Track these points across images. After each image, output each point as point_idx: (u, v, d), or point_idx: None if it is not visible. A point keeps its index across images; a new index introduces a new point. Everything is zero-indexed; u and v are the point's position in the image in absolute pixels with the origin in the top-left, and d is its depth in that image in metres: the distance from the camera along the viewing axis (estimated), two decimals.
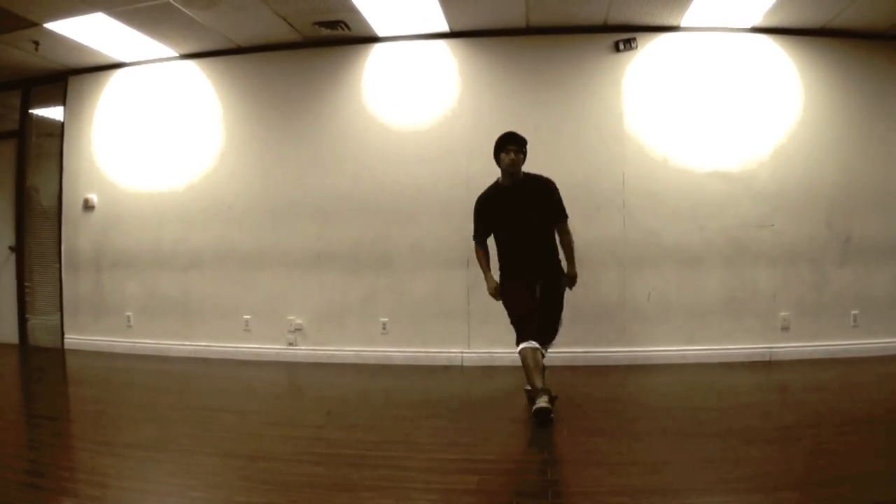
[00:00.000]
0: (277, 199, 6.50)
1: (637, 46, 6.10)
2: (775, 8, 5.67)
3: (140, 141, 6.88)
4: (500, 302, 4.59)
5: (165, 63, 6.82)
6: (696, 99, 6.12)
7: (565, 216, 4.64)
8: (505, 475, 3.32)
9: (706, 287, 6.06)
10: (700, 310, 6.05)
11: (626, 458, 3.53)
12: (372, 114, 6.37)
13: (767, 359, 6.01)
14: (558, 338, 4.69)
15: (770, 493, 2.98)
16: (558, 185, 4.61)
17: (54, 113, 7.27)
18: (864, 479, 3.13)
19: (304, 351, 6.46)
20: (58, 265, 7.14)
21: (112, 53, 6.62)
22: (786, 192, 6.08)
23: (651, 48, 6.13)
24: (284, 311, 6.49)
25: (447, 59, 6.29)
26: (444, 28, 6.13)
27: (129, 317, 6.88)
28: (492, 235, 4.71)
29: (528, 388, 4.32)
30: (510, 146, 4.44)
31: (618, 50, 6.10)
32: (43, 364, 6.66)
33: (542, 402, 3.98)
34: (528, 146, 4.57)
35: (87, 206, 6.97)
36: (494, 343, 5.87)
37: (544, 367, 4.39)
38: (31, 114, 7.41)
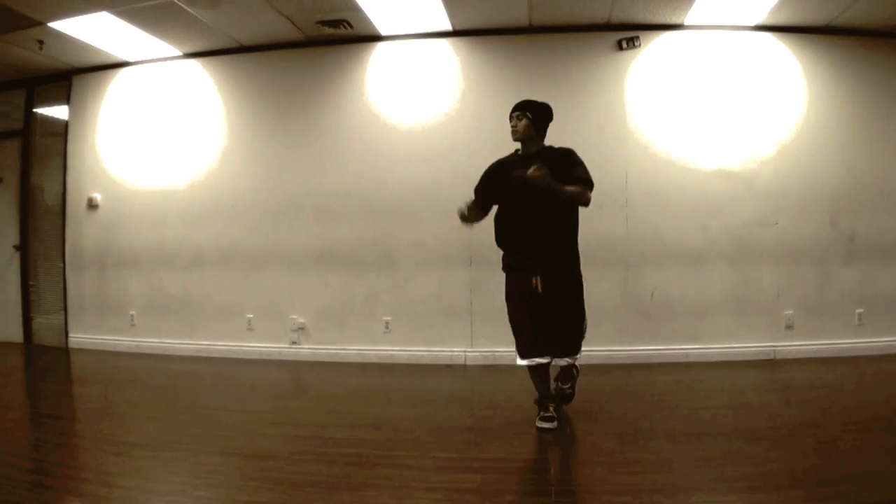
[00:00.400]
0: (280, 198, 6.51)
1: (640, 45, 6.09)
2: (780, 6, 5.65)
3: (144, 140, 6.90)
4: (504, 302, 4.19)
5: (169, 62, 6.84)
6: (700, 97, 6.11)
7: (587, 182, 4.02)
8: (508, 474, 3.31)
9: (709, 286, 6.05)
10: (703, 308, 6.04)
11: (630, 457, 3.52)
12: (374, 112, 6.38)
13: (771, 357, 6.00)
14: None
15: (773, 492, 2.98)
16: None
17: (58, 112, 7.29)
18: (867, 478, 3.12)
19: (307, 350, 6.46)
20: (62, 264, 7.16)
21: (116, 52, 6.63)
22: (789, 190, 6.06)
23: (654, 46, 6.13)
24: (287, 310, 6.50)
25: (450, 57, 6.29)
26: (447, 27, 6.14)
27: (132, 316, 6.90)
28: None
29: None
30: (512, 112, 4.12)
31: (621, 48, 6.10)
32: (47, 363, 6.67)
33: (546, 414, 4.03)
34: (543, 113, 4.13)
35: (91, 205, 6.99)
36: (497, 342, 5.86)
37: (577, 372, 4.32)
38: (36, 113, 7.44)
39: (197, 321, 6.71)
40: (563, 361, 4.10)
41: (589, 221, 5.72)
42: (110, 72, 7.00)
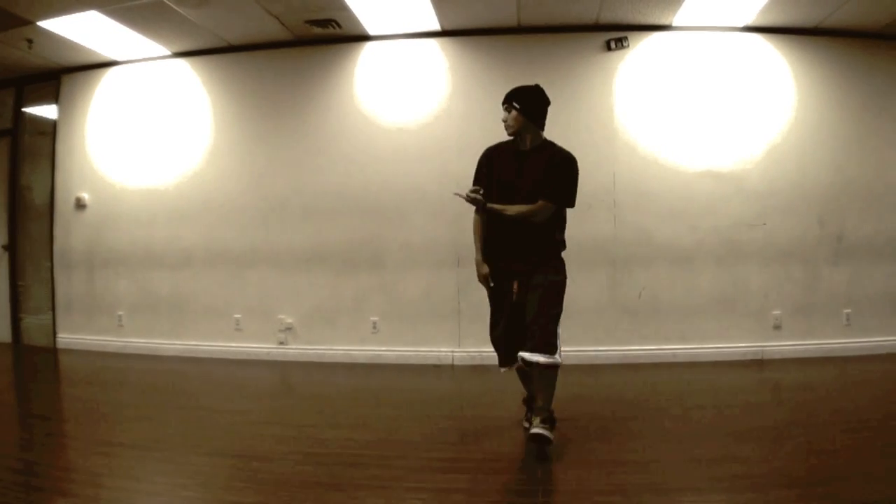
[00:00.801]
0: (268, 198, 6.50)
1: (628, 45, 6.10)
2: (768, 7, 5.67)
3: (132, 139, 6.88)
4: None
5: (158, 61, 6.81)
6: (688, 98, 6.12)
7: (558, 199, 3.69)
8: (495, 474, 3.31)
9: (698, 286, 6.06)
10: (691, 309, 6.05)
11: (618, 457, 3.52)
12: (363, 112, 6.37)
13: (759, 358, 6.02)
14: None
15: (762, 491, 2.99)
16: None
17: (47, 111, 7.27)
18: (856, 477, 3.13)
19: (295, 350, 6.45)
20: (50, 264, 7.13)
21: (105, 52, 6.61)
22: (778, 191, 6.08)
23: (642, 47, 6.14)
24: (275, 310, 6.49)
25: (438, 57, 6.29)
26: (436, 27, 6.13)
27: (120, 316, 6.87)
28: None
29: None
30: (503, 104, 3.78)
31: (609, 49, 6.10)
32: (35, 363, 6.66)
33: (536, 427, 3.50)
34: (533, 100, 3.75)
35: (80, 205, 6.96)
36: (485, 342, 5.69)
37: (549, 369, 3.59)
38: (25, 112, 7.41)
39: (185, 321, 6.69)
40: (533, 357, 3.51)
41: (577, 222, 5.70)
42: (99, 71, 6.98)
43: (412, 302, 6.23)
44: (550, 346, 3.52)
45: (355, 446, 3.80)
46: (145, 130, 6.85)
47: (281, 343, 6.48)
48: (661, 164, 6.08)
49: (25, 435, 4.24)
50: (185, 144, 6.73)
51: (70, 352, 6.94)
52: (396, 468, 3.42)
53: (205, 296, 6.66)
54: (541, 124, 3.78)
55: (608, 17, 5.94)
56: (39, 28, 5.85)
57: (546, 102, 3.80)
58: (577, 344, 5.94)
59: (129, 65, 6.91)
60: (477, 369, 5.93)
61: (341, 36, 6.30)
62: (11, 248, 7.39)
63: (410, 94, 6.31)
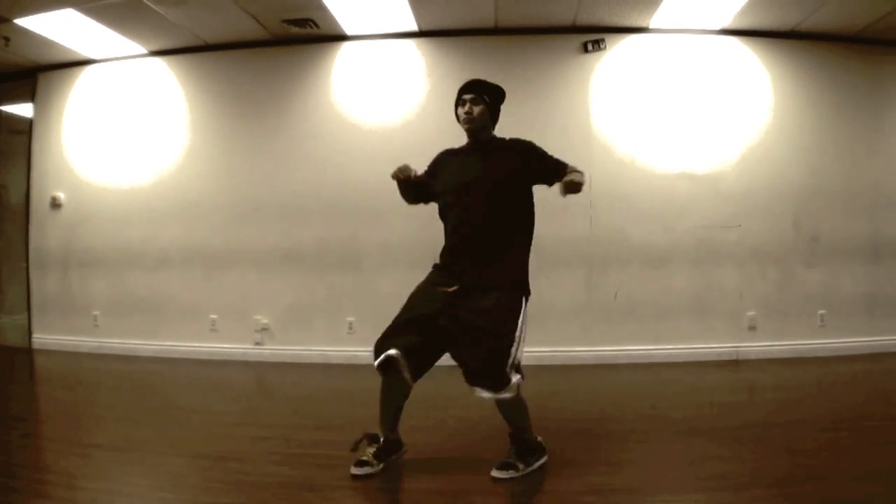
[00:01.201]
0: (245, 198, 6.47)
1: (605, 47, 6.13)
2: (745, 10, 5.71)
3: (108, 138, 6.83)
4: None
5: (134, 60, 6.77)
6: (665, 100, 6.16)
7: (563, 165, 3.34)
8: (471, 475, 3.28)
9: (673, 287, 6.09)
10: (667, 309, 6.08)
11: (593, 458, 3.52)
12: (340, 112, 6.37)
13: (734, 358, 6.06)
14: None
15: (737, 491, 3.01)
16: None
17: (23, 110, 7.21)
18: (831, 477, 3.15)
19: (271, 351, 6.43)
20: (25, 264, 7.07)
21: (82, 50, 6.57)
22: (753, 192, 6.12)
23: (619, 49, 6.16)
24: (251, 311, 6.47)
25: (416, 58, 6.30)
26: (413, 27, 6.14)
27: (96, 316, 6.82)
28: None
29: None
30: (465, 95, 3.39)
31: (586, 51, 6.12)
32: (11, 364, 6.59)
33: (495, 470, 3.21)
34: (500, 96, 3.50)
35: (55, 204, 6.90)
36: None
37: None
38: (0, 111, 7.35)
39: (161, 322, 6.64)
40: (484, 394, 3.19)
41: (553, 223, 5.77)
42: (76, 69, 6.93)
43: (388, 302, 6.05)
44: (498, 384, 3.14)
45: (331, 447, 3.74)
46: (122, 129, 6.80)
47: (257, 343, 6.45)
48: (637, 166, 6.11)
49: (1, 436, 4.18)
50: (162, 144, 6.69)
51: (45, 352, 6.87)
52: None
53: (181, 296, 6.61)
54: (496, 123, 3.54)
55: (585, 18, 5.97)
56: (16, 26, 5.80)
57: (504, 101, 3.56)
58: (552, 344, 5.98)
59: (106, 63, 6.86)
60: (453, 369, 5.84)
61: (319, 35, 6.29)
62: None
63: (388, 95, 6.31)
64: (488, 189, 3.28)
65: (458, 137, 3.68)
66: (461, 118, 3.43)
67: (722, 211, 6.09)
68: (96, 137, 6.87)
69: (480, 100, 3.38)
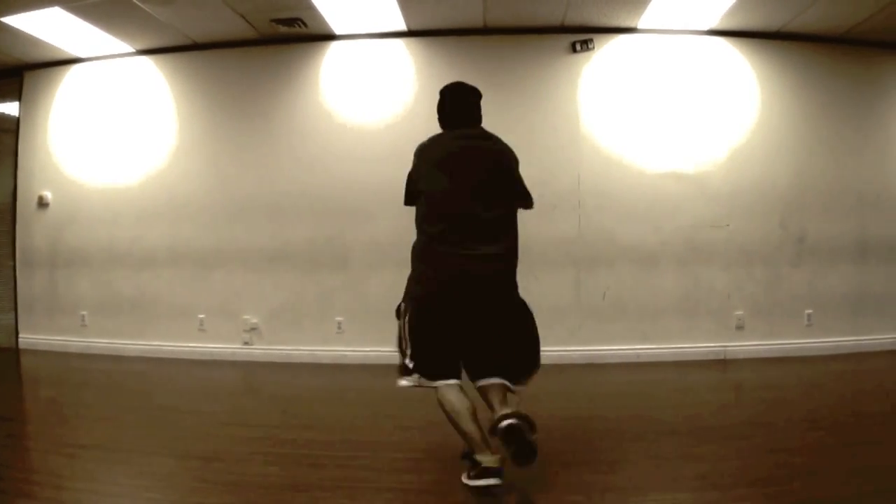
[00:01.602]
0: (233, 197, 6.45)
1: (594, 47, 6.14)
2: (733, 11, 5.73)
3: (96, 138, 6.80)
4: None
5: (122, 59, 6.74)
6: (653, 100, 6.18)
7: (529, 198, 3.37)
8: (459, 474, 3.29)
9: (661, 286, 6.11)
10: (655, 309, 6.10)
11: (581, 457, 3.53)
12: (328, 112, 6.36)
13: (722, 357, 6.08)
14: None
15: (724, 490, 3.02)
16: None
17: (9, 108, 7.15)
18: (817, 475, 3.17)
19: (260, 350, 6.41)
20: (12, 263, 7.02)
21: (69, 49, 6.54)
22: (740, 192, 6.15)
23: (608, 49, 6.18)
24: (240, 311, 6.45)
25: (404, 57, 6.29)
26: (402, 27, 6.13)
27: (83, 316, 6.79)
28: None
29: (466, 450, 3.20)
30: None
31: (574, 51, 6.13)
32: None
33: (487, 461, 3.01)
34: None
35: (42, 204, 6.86)
36: None
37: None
38: None
39: (148, 321, 6.62)
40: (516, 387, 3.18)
41: (542, 223, 5.84)
42: (62, 68, 6.89)
43: (377, 302, 6.17)
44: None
45: (319, 447, 3.78)
46: (109, 129, 6.77)
47: (246, 343, 6.44)
48: (625, 166, 6.13)
49: None
50: (150, 143, 6.66)
51: (32, 352, 6.83)
52: (361, 469, 3.41)
53: (169, 296, 6.59)
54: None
55: (574, 18, 5.98)
56: (2, 24, 5.77)
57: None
58: (542, 343, 5.96)
59: (93, 62, 6.83)
60: None
61: (307, 35, 6.28)
62: None
63: (376, 94, 6.30)
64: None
65: None
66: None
67: (710, 211, 6.12)
68: (83, 137, 6.83)
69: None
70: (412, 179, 3.34)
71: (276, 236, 6.37)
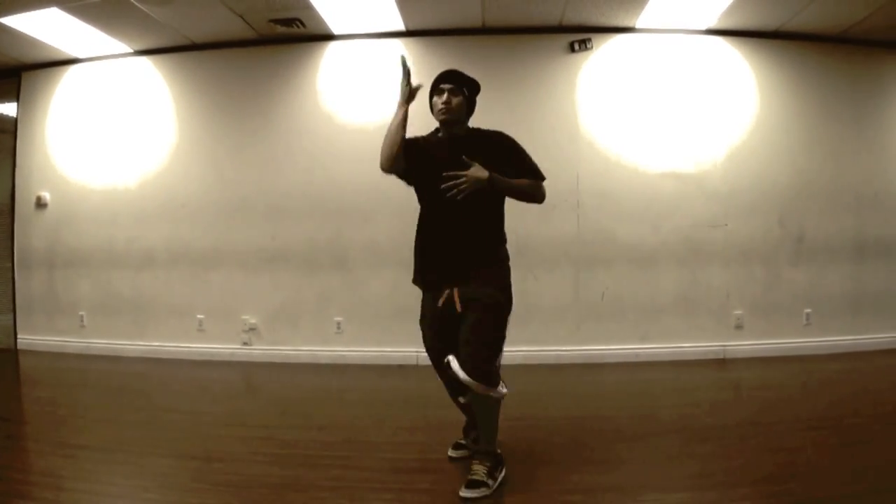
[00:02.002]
0: (231, 198, 6.45)
1: (592, 47, 6.13)
2: (731, 10, 5.73)
3: (94, 138, 6.79)
4: None
5: (120, 59, 6.73)
6: (651, 100, 6.18)
7: (539, 174, 3.29)
8: (458, 474, 3.30)
9: (660, 286, 6.12)
10: (654, 308, 6.11)
11: (580, 457, 3.55)
12: (327, 112, 6.35)
13: (721, 357, 6.09)
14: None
15: (723, 489, 3.04)
16: None
17: (7, 109, 7.14)
18: (816, 475, 3.19)
19: (259, 351, 6.41)
20: (11, 264, 7.02)
21: (67, 49, 6.52)
22: (739, 192, 6.16)
23: (606, 49, 6.17)
24: (238, 311, 6.44)
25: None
26: (400, 27, 6.13)
27: (82, 316, 6.78)
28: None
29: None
30: (443, 84, 3.30)
31: (573, 50, 6.13)
32: None
33: (463, 490, 3.08)
34: (477, 89, 3.40)
35: (40, 204, 6.86)
36: None
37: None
38: None
39: (147, 322, 6.62)
40: (466, 379, 3.06)
41: (540, 222, 5.86)
42: (61, 68, 6.88)
43: (376, 302, 6.21)
44: (484, 375, 3.05)
45: (319, 447, 3.80)
46: (107, 129, 6.76)
47: (245, 344, 6.44)
48: (624, 165, 6.13)
49: None
50: (148, 143, 6.65)
51: (31, 353, 6.82)
52: (360, 469, 3.43)
53: (168, 296, 6.58)
54: (471, 116, 3.41)
55: (572, 18, 5.97)
56: (0, 24, 5.75)
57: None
58: (540, 344, 6.00)
59: (91, 62, 6.81)
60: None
61: (305, 35, 6.27)
62: None
63: (375, 94, 6.27)
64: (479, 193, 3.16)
65: None
66: (437, 108, 3.31)
67: (708, 210, 6.12)
68: (82, 137, 6.82)
69: (459, 91, 3.27)
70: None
71: (275, 237, 6.37)
